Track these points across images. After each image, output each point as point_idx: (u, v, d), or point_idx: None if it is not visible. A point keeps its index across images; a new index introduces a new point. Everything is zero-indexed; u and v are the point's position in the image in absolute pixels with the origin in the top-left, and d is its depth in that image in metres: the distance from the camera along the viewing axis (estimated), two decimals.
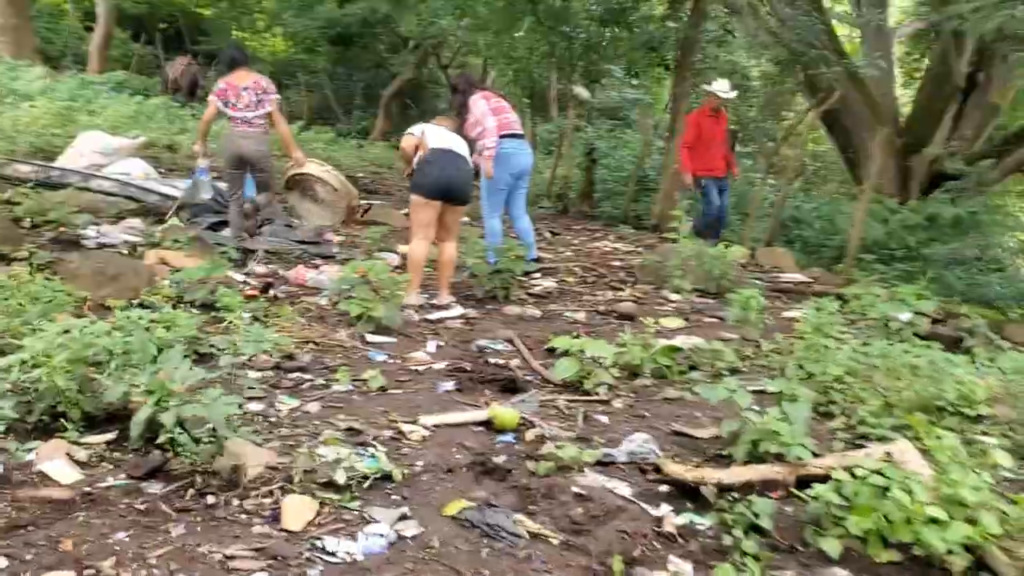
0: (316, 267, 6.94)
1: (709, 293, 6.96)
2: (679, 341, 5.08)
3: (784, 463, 3.38)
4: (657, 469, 3.33)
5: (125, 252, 6.72)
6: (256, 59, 25.85)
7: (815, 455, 3.45)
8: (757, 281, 7.52)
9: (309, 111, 22.78)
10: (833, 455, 3.47)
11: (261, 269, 6.77)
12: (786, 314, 6.65)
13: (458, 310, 6.07)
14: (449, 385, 4.47)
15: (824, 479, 3.28)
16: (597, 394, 4.39)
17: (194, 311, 5.41)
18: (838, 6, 17.62)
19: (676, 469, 3.25)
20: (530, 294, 6.78)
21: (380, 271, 5.54)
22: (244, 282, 6.25)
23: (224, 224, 7.89)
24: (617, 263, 8.53)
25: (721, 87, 9.72)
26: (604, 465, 3.53)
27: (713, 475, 3.30)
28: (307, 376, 4.48)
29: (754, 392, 4.59)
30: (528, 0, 13.02)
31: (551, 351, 5.31)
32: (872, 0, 13.69)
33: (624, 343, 4.84)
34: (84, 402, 3.51)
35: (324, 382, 4.41)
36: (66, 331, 3.58)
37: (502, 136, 6.94)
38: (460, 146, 6.26)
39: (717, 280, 6.97)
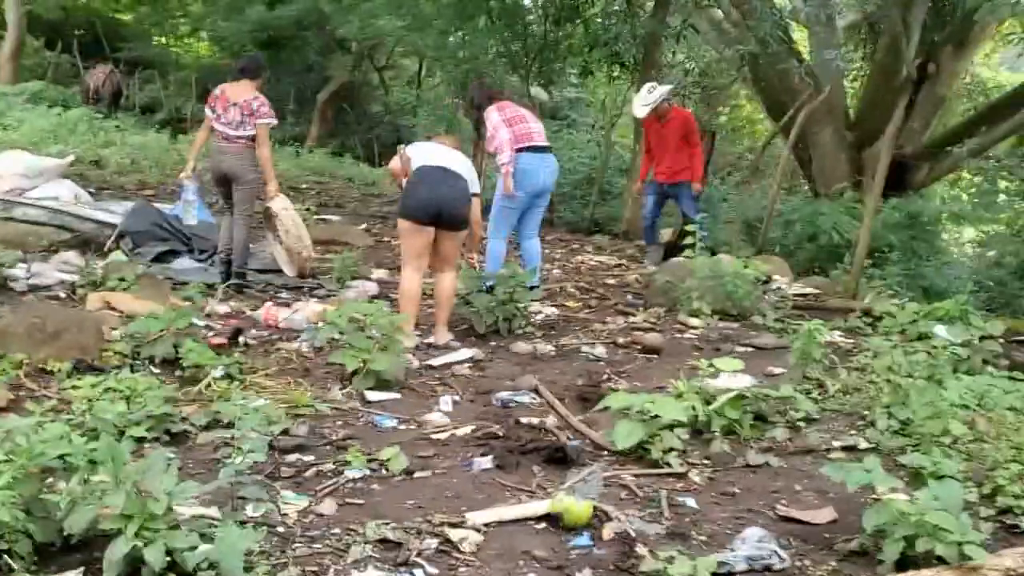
0: (287, 304, 6.03)
1: (730, 316, 6.24)
2: (724, 381, 4.34)
3: (950, 567, 2.68)
4: None
5: (63, 295, 5.76)
6: (181, 66, 24.49)
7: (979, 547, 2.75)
8: (774, 299, 6.84)
9: None
10: (1010, 553, 2.77)
11: (224, 309, 5.86)
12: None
13: (463, 352, 5.26)
14: (485, 461, 3.66)
15: None
16: (668, 464, 3.63)
17: (155, 371, 4.53)
18: None
19: None
20: (534, 325, 5.98)
21: (376, 313, 4.69)
22: (207, 326, 5.35)
23: (173, 254, 6.96)
24: (612, 280, 7.79)
25: (640, 102, 8.53)
26: None
27: None
28: (309, 458, 3.64)
29: (844, 448, 3.94)
30: None
31: (585, 400, 4.56)
32: None
33: (681, 393, 4.10)
34: (36, 531, 2.63)
35: (332, 465, 3.57)
36: (5, 438, 2.70)
37: (521, 149, 6.16)
38: (455, 162, 5.45)
39: (738, 301, 6.24)
